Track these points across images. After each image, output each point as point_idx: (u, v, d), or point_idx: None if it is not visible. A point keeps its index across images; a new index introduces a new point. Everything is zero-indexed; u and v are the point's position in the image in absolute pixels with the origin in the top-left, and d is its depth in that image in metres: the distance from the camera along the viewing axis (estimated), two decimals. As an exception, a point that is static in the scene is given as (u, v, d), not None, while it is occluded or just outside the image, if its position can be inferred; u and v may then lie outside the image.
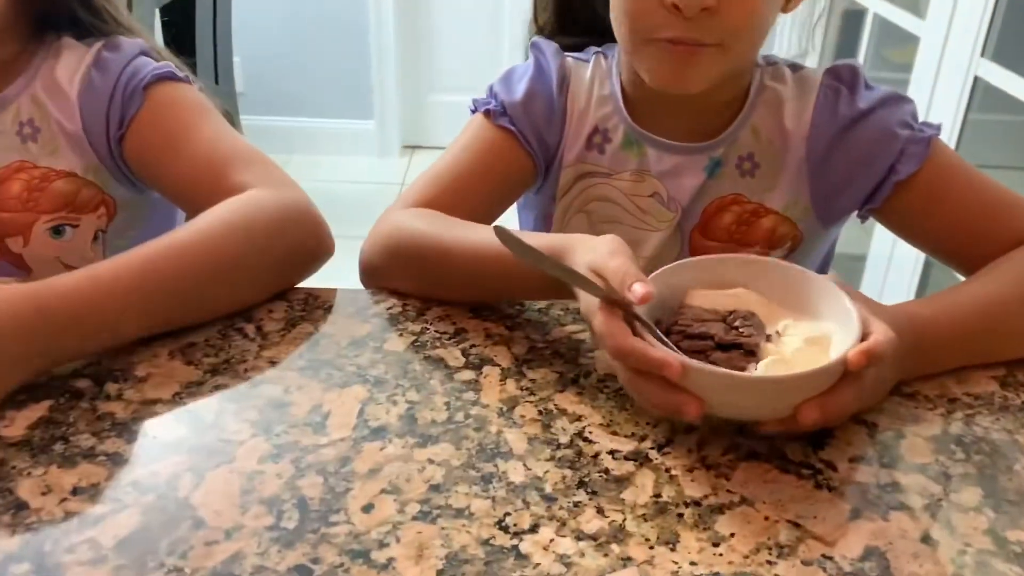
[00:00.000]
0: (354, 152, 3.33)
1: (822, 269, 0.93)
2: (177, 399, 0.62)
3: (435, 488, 0.55)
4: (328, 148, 3.29)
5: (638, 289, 0.55)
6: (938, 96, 1.82)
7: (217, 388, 0.63)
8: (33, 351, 0.60)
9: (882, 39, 2.24)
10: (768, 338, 0.60)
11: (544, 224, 0.90)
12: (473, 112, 0.86)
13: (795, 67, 0.83)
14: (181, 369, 0.65)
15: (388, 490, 0.54)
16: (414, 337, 0.70)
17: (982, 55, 1.69)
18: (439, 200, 0.79)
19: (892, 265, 2.02)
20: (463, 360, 0.67)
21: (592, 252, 0.61)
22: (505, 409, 0.62)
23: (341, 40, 3.20)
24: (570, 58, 0.86)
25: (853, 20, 2.33)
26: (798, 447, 0.59)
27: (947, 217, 0.78)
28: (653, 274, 0.61)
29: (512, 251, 0.59)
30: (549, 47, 0.85)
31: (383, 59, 3.24)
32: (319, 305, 0.74)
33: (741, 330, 0.59)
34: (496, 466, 0.56)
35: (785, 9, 0.78)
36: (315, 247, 0.76)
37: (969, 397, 0.65)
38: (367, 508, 0.53)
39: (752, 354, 0.58)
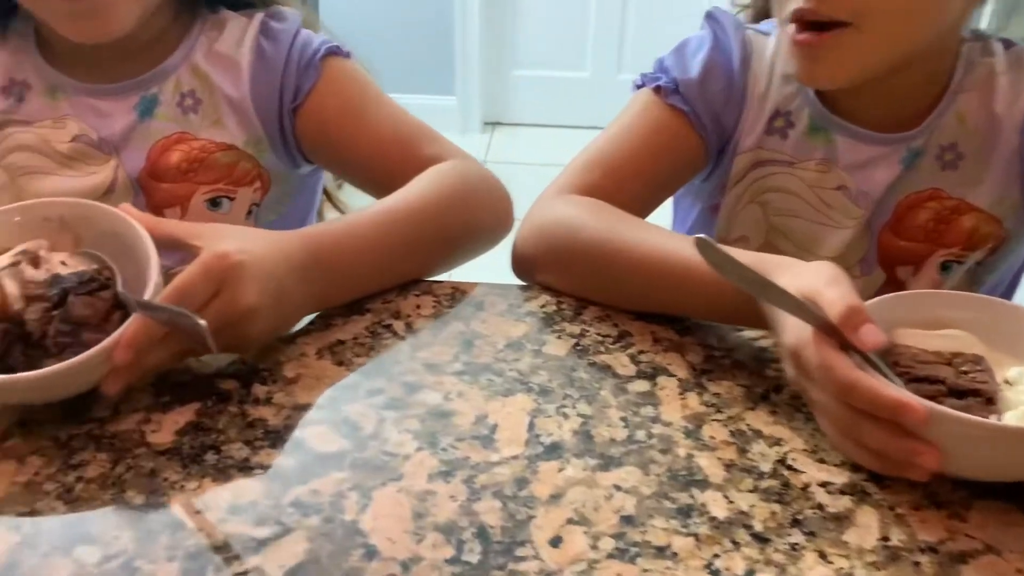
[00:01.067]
0: (435, 128, 3.28)
1: (1019, 277, 0.84)
2: (330, 404, 0.57)
3: (628, 520, 0.48)
4: (409, 124, 3.24)
5: (868, 336, 0.48)
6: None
7: (372, 393, 0.58)
8: (310, 295, 0.62)
9: None
10: (999, 388, 0.52)
11: (710, 216, 0.83)
12: (638, 87, 0.79)
13: (1008, 43, 0.74)
14: (331, 370, 0.60)
15: (575, 520, 0.48)
16: (574, 340, 0.64)
17: None
18: (601, 186, 0.73)
19: None
20: (633, 368, 0.61)
21: (800, 277, 0.53)
22: (691, 428, 0.55)
23: (423, 14, 3.14)
24: (750, 30, 0.78)
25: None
26: (1037, 485, 0.51)
27: None
28: None
29: (712, 265, 0.51)
30: (728, 18, 0.78)
31: (466, 33, 3.17)
32: (467, 301, 0.68)
33: (973, 375, 0.51)
34: (693, 496, 0.50)
35: None
36: (506, 220, 0.78)
37: None
38: (555, 541, 0.47)
39: (991, 402, 0.50)
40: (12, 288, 0.55)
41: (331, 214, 0.93)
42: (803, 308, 0.51)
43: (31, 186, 0.77)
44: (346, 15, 3.13)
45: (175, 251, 0.58)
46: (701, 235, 0.51)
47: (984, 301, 0.57)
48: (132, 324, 0.52)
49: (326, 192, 0.92)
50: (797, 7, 0.64)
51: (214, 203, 0.79)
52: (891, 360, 0.52)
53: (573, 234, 0.68)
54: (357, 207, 0.88)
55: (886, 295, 0.56)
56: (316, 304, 0.64)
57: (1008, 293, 0.85)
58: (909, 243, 0.76)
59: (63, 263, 0.57)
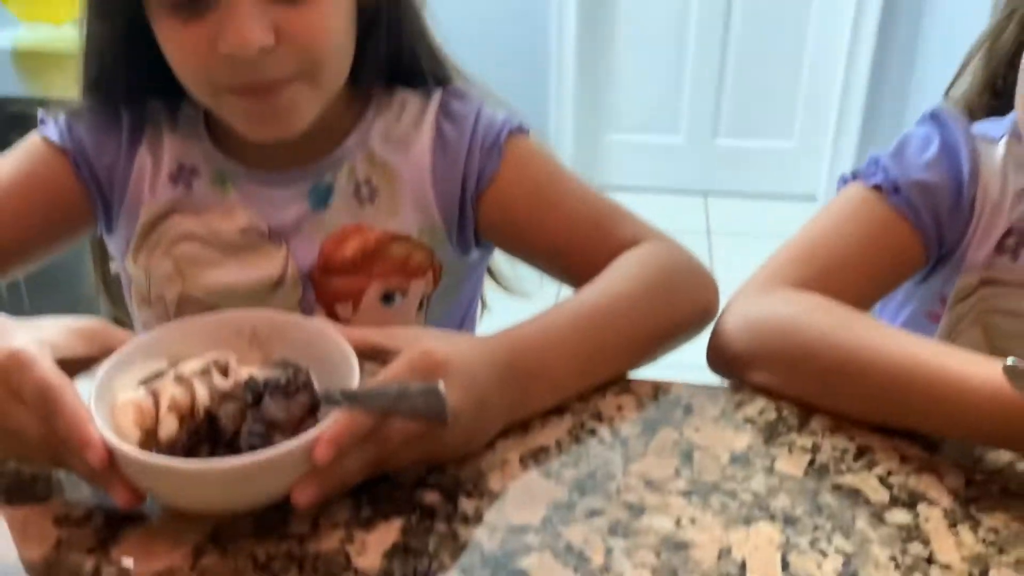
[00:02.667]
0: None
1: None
2: (547, 526, 0.50)
3: None
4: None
5: None
6: None
7: (592, 513, 0.51)
8: (507, 401, 0.57)
9: None
10: None
11: (926, 322, 0.75)
12: (845, 182, 0.72)
13: None
14: (540, 484, 0.53)
15: None
16: (809, 455, 0.56)
17: None
18: (817, 282, 0.66)
19: None
20: (886, 494, 0.53)
21: None
22: (976, 573, 0.47)
23: (518, 78, 3.15)
24: (979, 136, 0.71)
25: None
26: None
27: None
28: None
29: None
30: (958, 122, 0.71)
31: (561, 97, 3.16)
32: (672, 402, 0.62)
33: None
34: (1005, 666, 0.42)
35: None
36: (711, 308, 0.70)
37: None
38: None
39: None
40: (202, 391, 0.51)
41: (491, 294, 0.88)
42: None
43: (198, 278, 0.73)
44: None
45: (372, 359, 0.53)
46: (1012, 360, 0.43)
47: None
48: (336, 419, 0.47)
49: (490, 271, 0.86)
50: None
51: (387, 298, 0.75)
52: None
53: (797, 331, 0.61)
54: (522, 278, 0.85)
55: None
56: (512, 413, 0.58)
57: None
58: None
59: (253, 374, 0.53)
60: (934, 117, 0.72)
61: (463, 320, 0.84)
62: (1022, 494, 0.53)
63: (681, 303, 0.68)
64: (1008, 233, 0.69)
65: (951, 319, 0.73)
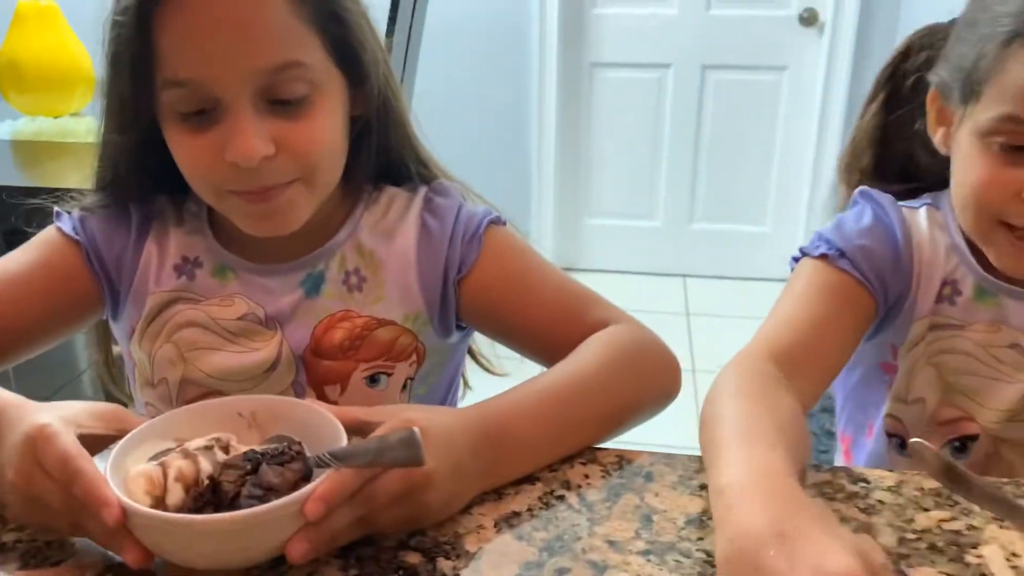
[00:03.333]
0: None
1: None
2: (519, 586, 0.55)
3: None
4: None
5: None
6: None
7: (560, 572, 0.56)
8: (481, 465, 0.62)
9: None
10: None
11: (880, 373, 0.84)
12: (796, 260, 0.81)
13: None
14: (513, 545, 0.59)
15: None
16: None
17: None
18: (798, 348, 0.74)
19: None
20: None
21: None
22: (903, 620, 0.52)
23: (501, 165, 3.27)
24: (904, 207, 0.81)
25: None
26: None
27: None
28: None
29: (930, 471, 0.50)
30: (883, 196, 0.81)
31: (542, 184, 3.28)
32: (635, 471, 0.67)
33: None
34: None
35: None
36: (674, 386, 0.78)
37: None
38: None
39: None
40: (206, 463, 0.56)
41: (474, 375, 0.95)
42: None
43: (199, 362, 0.79)
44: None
45: (358, 434, 0.59)
46: (917, 439, 0.50)
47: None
48: (326, 478, 0.53)
49: (471, 352, 0.92)
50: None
51: (373, 380, 0.81)
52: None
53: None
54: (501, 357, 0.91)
55: None
56: (487, 477, 0.63)
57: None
58: None
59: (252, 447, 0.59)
60: (863, 195, 0.83)
61: (445, 399, 0.90)
62: (945, 550, 0.59)
63: (646, 382, 0.74)
64: (944, 283, 0.79)
65: (908, 364, 0.82)
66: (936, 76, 0.78)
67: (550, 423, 0.67)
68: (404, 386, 0.82)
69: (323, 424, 0.59)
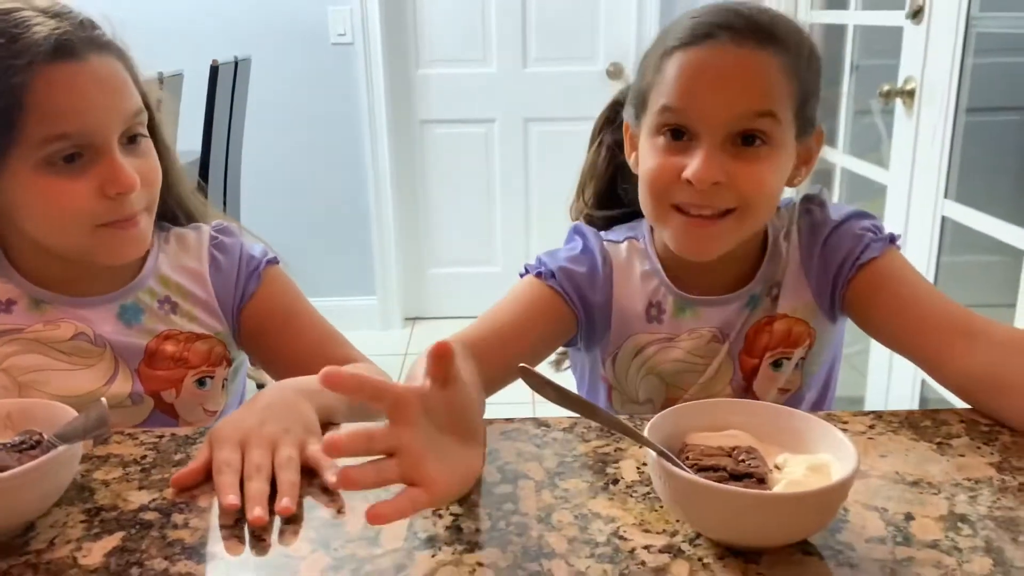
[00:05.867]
0: (357, 327, 3.44)
1: (833, 364, 1.04)
2: (239, 525, 0.67)
3: (486, 586, 0.59)
4: (334, 323, 3.40)
5: None
6: (910, 238, 1.95)
7: (275, 513, 0.68)
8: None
9: (852, 193, 2.41)
10: (770, 471, 0.65)
11: (592, 386, 1.04)
12: (522, 275, 0.99)
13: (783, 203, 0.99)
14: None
15: (443, 591, 0.58)
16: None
17: (945, 196, 1.83)
18: (486, 340, 0.90)
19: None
20: (499, 476, 0.73)
21: None
22: (543, 516, 0.67)
23: (343, 224, 3.39)
24: (606, 241, 1.00)
25: (822, 178, 2.51)
26: (817, 535, 0.63)
27: (886, 309, 0.90)
28: (654, 418, 0.67)
29: (533, 387, 0.65)
30: (590, 231, 1.01)
31: (383, 239, 3.42)
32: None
33: (748, 463, 0.65)
34: (540, 565, 0.61)
35: (791, 183, 0.92)
36: None
37: (969, 482, 0.70)
38: (426, 607, 0.57)
39: (763, 482, 0.63)
40: None
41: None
42: (618, 423, 0.65)
43: (37, 385, 0.89)
44: (272, 226, 3.36)
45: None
46: (522, 364, 0.65)
47: (754, 405, 0.71)
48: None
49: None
50: (688, 201, 0.86)
51: (200, 382, 0.96)
52: (684, 455, 0.66)
53: None
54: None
55: (680, 404, 0.70)
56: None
57: (827, 381, 1.04)
58: (755, 358, 0.97)
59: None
60: (576, 230, 1.02)
61: (243, 396, 1.07)
62: (593, 466, 0.74)
63: None
64: (650, 305, 0.98)
65: (631, 373, 1.00)
66: (625, 108, 0.97)
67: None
68: (223, 386, 0.98)
69: (67, 415, 0.69)
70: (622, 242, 1.00)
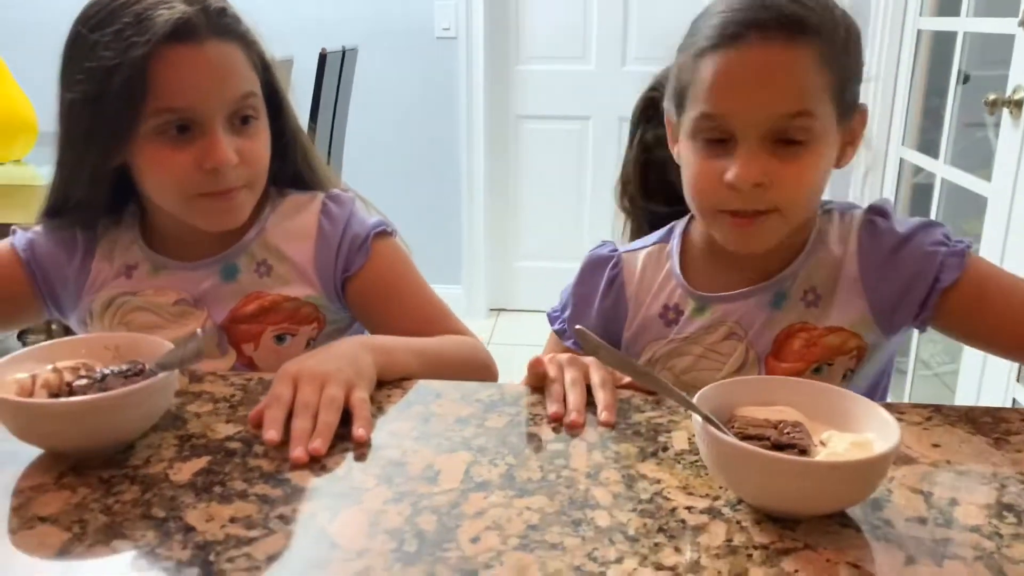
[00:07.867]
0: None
1: (882, 376, 1.00)
2: (314, 459, 0.72)
3: (533, 528, 0.63)
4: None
5: None
6: (1009, 253, 1.88)
7: (346, 451, 0.74)
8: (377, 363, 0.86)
9: (953, 209, 2.34)
10: (815, 445, 0.67)
11: None
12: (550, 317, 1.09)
13: (843, 208, 0.96)
14: (315, 436, 0.76)
15: (492, 527, 0.63)
16: (510, 417, 0.80)
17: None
18: None
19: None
20: (554, 436, 0.77)
21: None
22: (592, 472, 0.71)
23: (434, 212, 3.48)
24: (624, 252, 1.02)
25: (922, 190, 2.45)
26: (858, 510, 0.65)
27: (995, 315, 0.87)
28: (703, 389, 0.69)
29: (588, 350, 0.69)
30: (595, 256, 1.04)
31: (473, 229, 3.49)
32: (429, 392, 0.85)
33: (792, 435, 0.67)
34: (585, 514, 0.65)
35: (838, 165, 0.91)
36: (489, 374, 1.03)
37: (1021, 475, 0.70)
38: (474, 540, 0.61)
39: (805, 453, 0.65)
40: (68, 377, 0.74)
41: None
42: (667, 388, 0.68)
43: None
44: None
45: None
46: (579, 326, 0.69)
47: (804, 384, 0.73)
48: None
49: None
50: (737, 207, 0.86)
51: (279, 339, 1.02)
52: (731, 424, 0.68)
53: None
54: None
55: (731, 378, 0.72)
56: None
57: (874, 389, 1.00)
58: (788, 364, 0.93)
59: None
60: (587, 258, 1.06)
61: None
62: (645, 434, 0.77)
63: (482, 373, 1.00)
64: (667, 308, 0.98)
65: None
66: (666, 100, 0.96)
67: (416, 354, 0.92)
68: (307, 344, 1.03)
69: (167, 349, 0.77)
70: (640, 250, 1.01)
